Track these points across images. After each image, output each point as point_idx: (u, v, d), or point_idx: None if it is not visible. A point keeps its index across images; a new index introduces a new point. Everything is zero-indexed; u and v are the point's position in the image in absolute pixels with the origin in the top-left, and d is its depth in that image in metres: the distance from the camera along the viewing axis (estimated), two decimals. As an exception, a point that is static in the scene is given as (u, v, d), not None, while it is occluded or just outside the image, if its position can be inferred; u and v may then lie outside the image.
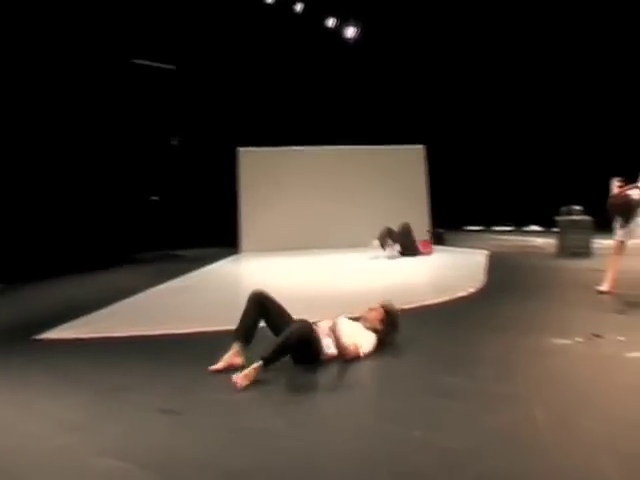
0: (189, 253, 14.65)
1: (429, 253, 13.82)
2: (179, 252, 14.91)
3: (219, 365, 4.65)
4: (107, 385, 4.42)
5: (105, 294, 8.69)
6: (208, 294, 8.90)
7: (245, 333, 4.81)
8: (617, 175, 8.09)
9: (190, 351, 5.43)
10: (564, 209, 12.37)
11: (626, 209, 7.55)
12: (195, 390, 4.27)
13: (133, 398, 4.14)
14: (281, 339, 4.48)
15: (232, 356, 4.70)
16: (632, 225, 7.74)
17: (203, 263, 12.27)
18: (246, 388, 4.19)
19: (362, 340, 5.00)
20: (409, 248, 13.51)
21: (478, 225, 20.16)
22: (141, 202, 16.33)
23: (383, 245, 13.44)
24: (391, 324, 5.30)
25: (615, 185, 8.05)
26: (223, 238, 15.63)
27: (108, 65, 14.43)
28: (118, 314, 7.44)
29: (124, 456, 3.22)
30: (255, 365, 4.29)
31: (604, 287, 7.83)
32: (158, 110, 16.45)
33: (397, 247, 13.50)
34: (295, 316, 4.96)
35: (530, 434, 3.40)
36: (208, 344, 5.55)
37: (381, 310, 5.29)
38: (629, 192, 7.59)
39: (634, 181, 7.75)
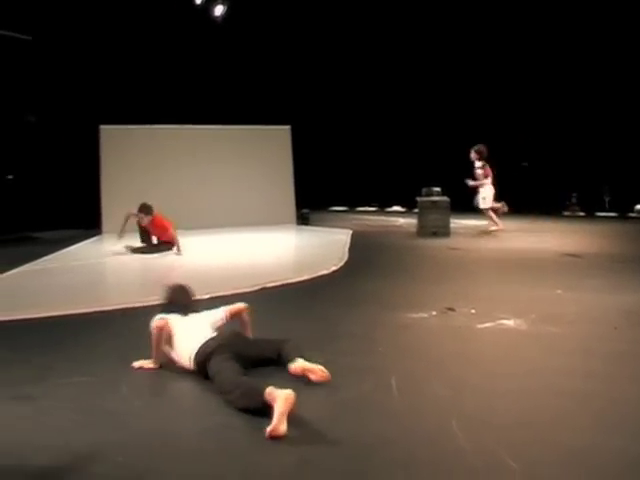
0: (47, 235, 13.90)
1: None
2: (36, 234, 14.14)
3: None
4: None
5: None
6: (67, 277, 8.53)
7: None
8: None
9: (46, 335, 5.17)
10: (424, 190, 12.86)
11: None
12: (52, 375, 4.08)
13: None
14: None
15: None
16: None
17: (62, 245, 11.73)
18: None
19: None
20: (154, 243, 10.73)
21: (343, 205, 20.58)
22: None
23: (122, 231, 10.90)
24: None
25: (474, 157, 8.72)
26: (84, 219, 14.98)
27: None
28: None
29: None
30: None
31: (494, 227, 8.59)
32: (12, 84, 15.46)
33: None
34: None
35: (385, 402, 3.55)
36: (64, 328, 5.38)
37: None
38: None
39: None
